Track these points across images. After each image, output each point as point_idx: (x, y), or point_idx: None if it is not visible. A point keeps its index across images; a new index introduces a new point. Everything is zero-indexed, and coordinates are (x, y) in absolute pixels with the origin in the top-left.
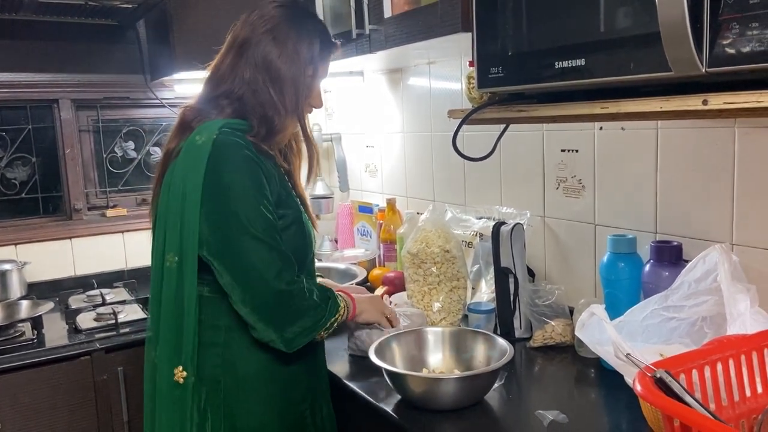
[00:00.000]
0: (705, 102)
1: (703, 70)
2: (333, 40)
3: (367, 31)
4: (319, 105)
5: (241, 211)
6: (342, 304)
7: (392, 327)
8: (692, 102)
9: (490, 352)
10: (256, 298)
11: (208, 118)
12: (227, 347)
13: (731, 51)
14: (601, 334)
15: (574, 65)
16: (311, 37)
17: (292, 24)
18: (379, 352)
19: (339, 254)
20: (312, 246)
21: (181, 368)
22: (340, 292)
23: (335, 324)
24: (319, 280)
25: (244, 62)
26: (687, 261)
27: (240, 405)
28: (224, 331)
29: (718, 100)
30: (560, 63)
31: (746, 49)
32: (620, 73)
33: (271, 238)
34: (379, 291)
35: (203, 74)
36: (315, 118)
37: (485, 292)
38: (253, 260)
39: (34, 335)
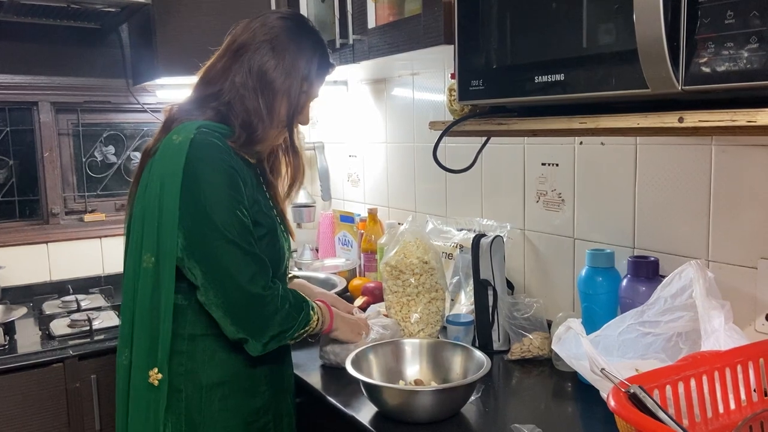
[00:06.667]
0: (681, 119)
1: (680, 88)
2: (330, 61)
3: (351, 41)
4: (306, 122)
5: (216, 214)
6: (315, 318)
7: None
8: (668, 119)
9: (467, 365)
10: (228, 301)
11: (189, 119)
12: (190, 356)
13: (707, 70)
14: (578, 348)
15: (553, 80)
16: (310, 53)
17: (293, 37)
18: (356, 363)
19: (319, 263)
20: (285, 259)
21: (156, 370)
22: (319, 303)
23: (304, 335)
24: (297, 281)
25: (238, 67)
26: (663, 276)
27: (201, 414)
28: (187, 341)
29: (693, 118)
30: (540, 77)
31: (721, 69)
32: (598, 89)
33: (246, 242)
34: (359, 302)
35: (186, 80)
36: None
37: (464, 304)
38: (226, 263)
39: (5, 341)
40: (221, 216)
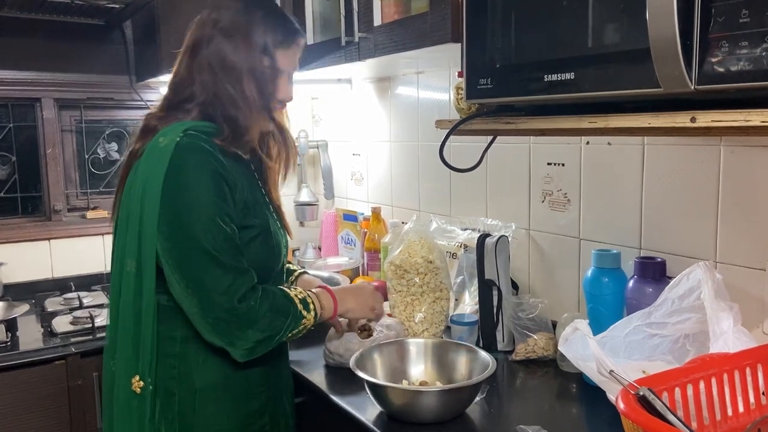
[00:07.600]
0: (693, 119)
1: (692, 88)
2: (295, 26)
3: (357, 39)
4: (289, 98)
5: (194, 222)
6: (308, 316)
7: (376, 322)
8: (680, 119)
9: (472, 365)
10: (202, 311)
11: (174, 120)
12: (183, 359)
13: (720, 69)
14: (585, 349)
15: (563, 79)
16: (264, 24)
17: (242, 14)
18: (360, 362)
19: (322, 262)
20: (281, 256)
21: (138, 377)
22: (316, 291)
23: (299, 334)
24: (304, 277)
25: (198, 64)
26: (671, 278)
27: (196, 418)
28: (180, 343)
29: (706, 118)
30: (549, 76)
31: (735, 68)
32: (609, 88)
33: (223, 252)
34: None
35: None
36: (302, 125)
37: (468, 304)
38: (199, 274)
39: (8, 338)
40: (199, 224)
